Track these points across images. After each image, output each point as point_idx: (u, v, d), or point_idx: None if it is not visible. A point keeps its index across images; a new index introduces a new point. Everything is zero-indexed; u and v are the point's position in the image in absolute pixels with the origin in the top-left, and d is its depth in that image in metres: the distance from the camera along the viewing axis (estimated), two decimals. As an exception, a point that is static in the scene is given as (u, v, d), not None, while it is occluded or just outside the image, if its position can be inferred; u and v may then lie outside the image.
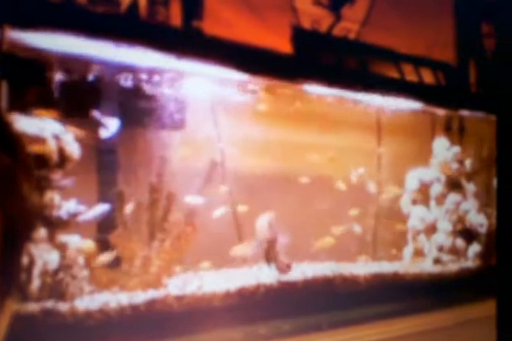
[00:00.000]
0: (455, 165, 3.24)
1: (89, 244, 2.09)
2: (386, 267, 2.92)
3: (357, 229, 3.01)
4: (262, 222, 2.45)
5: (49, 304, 1.90)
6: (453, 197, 3.23)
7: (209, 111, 2.62)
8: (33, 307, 1.86)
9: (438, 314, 2.81)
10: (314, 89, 2.69)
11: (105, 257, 2.13)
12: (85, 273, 2.07)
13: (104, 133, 2.17)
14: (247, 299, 2.29)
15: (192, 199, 2.32)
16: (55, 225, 2.01)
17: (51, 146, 1.96)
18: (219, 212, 2.55)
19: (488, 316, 2.85)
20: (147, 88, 2.27)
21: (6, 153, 0.59)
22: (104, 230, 2.21)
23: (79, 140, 2.03)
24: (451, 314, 2.85)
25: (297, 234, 2.57)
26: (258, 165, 2.77)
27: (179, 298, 2.13)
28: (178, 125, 2.41)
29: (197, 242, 2.32)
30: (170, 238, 2.24)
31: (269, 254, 2.45)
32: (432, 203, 3.27)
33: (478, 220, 3.26)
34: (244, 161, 2.71)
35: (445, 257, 3.14)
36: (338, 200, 2.97)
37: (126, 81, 2.22)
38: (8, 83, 1.88)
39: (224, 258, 2.50)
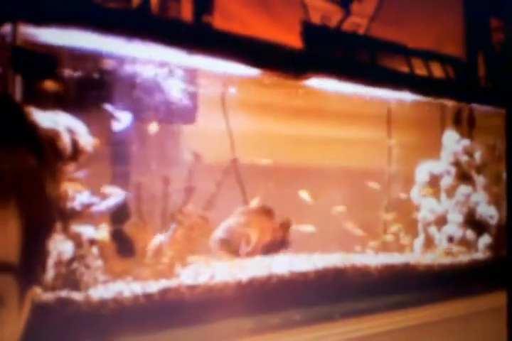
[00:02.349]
0: (465, 158, 3.26)
1: (102, 235, 2.13)
2: (397, 258, 2.94)
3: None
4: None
5: (64, 293, 1.93)
6: (463, 189, 3.25)
7: (219, 106, 2.65)
8: (48, 296, 1.89)
9: (449, 305, 2.81)
10: (324, 84, 2.72)
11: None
12: (99, 263, 2.11)
13: (117, 127, 2.21)
14: (259, 289, 2.32)
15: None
16: (69, 216, 2.05)
17: (65, 139, 2.00)
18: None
19: (498, 307, 2.85)
20: (158, 82, 2.30)
21: (32, 153, 0.61)
22: (117, 221, 2.25)
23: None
24: (462, 305, 2.85)
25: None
26: (268, 159, 2.79)
27: (191, 288, 2.16)
28: (190, 119, 2.45)
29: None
30: (182, 228, 2.28)
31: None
32: (443, 195, 3.29)
33: (489, 212, 3.27)
34: (255, 155, 2.73)
35: (455, 248, 3.15)
36: (347, 192, 2.99)
37: (137, 75, 2.25)
38: (22, 78, 1.92)
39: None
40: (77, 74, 2.13)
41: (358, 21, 2.97)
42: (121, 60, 2.21)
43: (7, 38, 1.90)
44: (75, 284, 2.01)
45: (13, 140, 0.60)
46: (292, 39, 2.61)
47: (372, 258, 2.82)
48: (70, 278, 2.01)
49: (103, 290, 2.03)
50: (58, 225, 2.02)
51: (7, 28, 1.89)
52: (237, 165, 2.67)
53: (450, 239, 3.17)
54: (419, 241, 3.23)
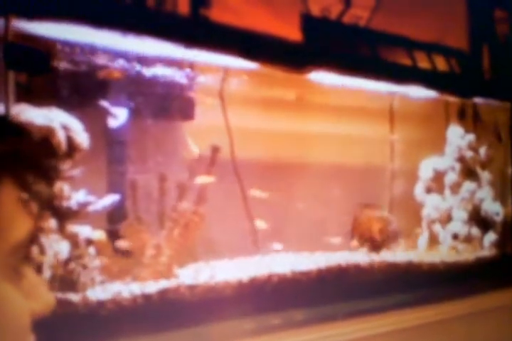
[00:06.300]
0: (469, 154, 3.21)
1: (99, 234, 2.09)
2: (400, 256, 2.89)
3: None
4: None
5: (60, 294, 1.89)
6: (468, 186, 3.20)
7: (217, 101, 2.60)
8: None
9: (454, 304, 2.78)
10: (324, 78, 2.67)
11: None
12: (97, 263, 2.06)
13: (113, 123, 2.17)
14: (260, 289, 2.28)
15: (202, 180, 2.31)
16: (65, 215, 2.01)
17: (60, 136, 1.96)
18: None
19: (504, 305, 2.82)
20: (155, 77, 2.26)
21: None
22: (114, 220, 2.21)
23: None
24: (468, 303, 2.82)
25: (307, 223, 2.55)
26: (267, 154, 2.76)
27: (191, 288, 2.12)
28: (187, 115, 2.40)
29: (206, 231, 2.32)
30: (178, 227, 2.23)
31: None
32: (447, 192, 3.25)
33: (494, 209, 3.22)
34: (253, 150, 2.70)
35: (460, 246, 3.11)
36: (349, 189, 2.95)
37: (133, 70, 2.21)
38: (15, 73, 1.88)
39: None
40: (72, 69, 2.08)
41: (358, 13, 2.92)
42: (116, 55, 2.16)
43: (-1, 33, 1.84)
44: (72, 285, 1.97)
45: None
46: (291, 32, 2.55)
47: (374, 257, 2.77)
48: (66, 278, 1.97)
49: (101, 290, 1.99)
50: (54, 225, 1.97)
51: (-1, 23, 1.84)
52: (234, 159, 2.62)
53: (455, 237, 3.12)
54: (423, 239, 3.19)
